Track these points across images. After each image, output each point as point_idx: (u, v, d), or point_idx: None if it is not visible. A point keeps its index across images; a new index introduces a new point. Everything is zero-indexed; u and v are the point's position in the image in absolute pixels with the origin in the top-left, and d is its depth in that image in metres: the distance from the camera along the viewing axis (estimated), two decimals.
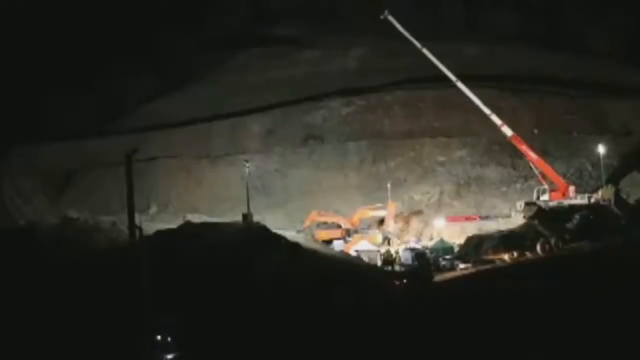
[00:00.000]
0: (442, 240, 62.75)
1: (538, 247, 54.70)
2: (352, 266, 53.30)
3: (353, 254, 61.75)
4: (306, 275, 41.89)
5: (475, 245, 58.83)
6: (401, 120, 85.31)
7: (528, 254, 54.73)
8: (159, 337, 28.64)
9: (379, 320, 32.01)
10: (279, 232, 55.55)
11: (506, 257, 54.52)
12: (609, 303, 27.41)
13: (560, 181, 66.67)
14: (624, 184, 66.38)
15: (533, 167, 68.17)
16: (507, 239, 57.41)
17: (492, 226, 65.04)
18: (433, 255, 58.55)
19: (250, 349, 29.40)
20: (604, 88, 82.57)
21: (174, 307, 33.16)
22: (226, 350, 29.84)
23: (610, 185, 65.04)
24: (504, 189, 74.48)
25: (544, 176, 66.73)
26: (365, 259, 59.88)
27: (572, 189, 65.88)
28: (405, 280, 49.39)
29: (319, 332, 30.25)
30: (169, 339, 29.10)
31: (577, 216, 59.13)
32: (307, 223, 69.72)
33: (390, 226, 68.38)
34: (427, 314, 32.24)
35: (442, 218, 69.70)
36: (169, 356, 28.90)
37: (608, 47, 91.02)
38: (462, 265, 56.24)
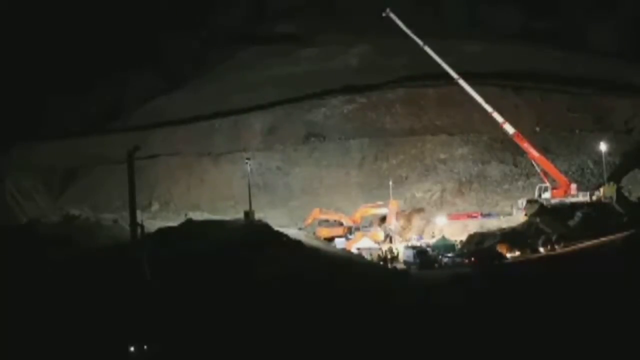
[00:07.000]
0: (443, 238, 62.62)
1: (540, 245, 54.57)
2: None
3: (355, 251, 61.74)
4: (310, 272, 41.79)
5: (476, 243, 58.78)
6: (403, 117, 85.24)
7: (529, 252, 54.58)
8: (132, 349, 28.14)
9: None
10: (281, 229, 55.55)
11: (508, 254, 54.41)
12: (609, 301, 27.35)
13: (562, 179, 66.70)
14: (625, 181, 66.22)
15: (535, 164, 68.19)
16: (508, 237, 57.38)
17: (493, 224, 65.03)
18: (435, 252, 58.44)
19: (250, 347, 29.28)
20: (606, 86, 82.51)
21: (174, 305, 33.12)
22: (226, 349, 29.73)
23: (611, 183, 64.98)
24: (506, 186, 74.37)
25: (545, 174, 66.77)
26: (367, 256, 59.88)
27: (573, 186, 66.00)
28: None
29: (323, 330, 30.13)
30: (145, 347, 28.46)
31: (578, 214, 59.08)
32: (309, 221, 69.79)
33: (392, 224, 68.35)
34: None
35: (443, 216, 69.67)
36: None
37: (610, 45, 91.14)
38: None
